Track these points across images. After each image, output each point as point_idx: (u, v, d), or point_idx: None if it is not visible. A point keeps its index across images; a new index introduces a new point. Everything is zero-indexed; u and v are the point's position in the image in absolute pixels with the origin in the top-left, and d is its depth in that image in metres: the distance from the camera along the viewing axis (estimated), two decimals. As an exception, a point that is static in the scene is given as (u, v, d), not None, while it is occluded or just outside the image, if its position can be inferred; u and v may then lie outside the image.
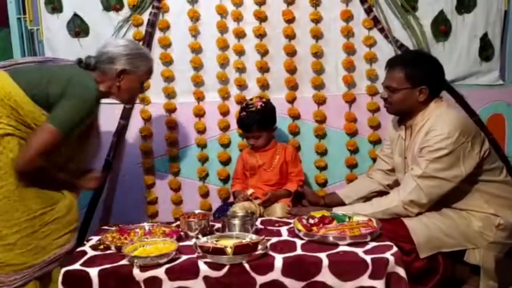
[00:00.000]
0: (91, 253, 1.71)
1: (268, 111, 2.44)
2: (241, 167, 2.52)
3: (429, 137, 1.98)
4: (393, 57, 2.21)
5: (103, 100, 2.60)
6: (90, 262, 1.63)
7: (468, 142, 1.96)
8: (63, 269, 1.60)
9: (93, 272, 1.57)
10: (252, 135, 2.43)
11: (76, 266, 1.60)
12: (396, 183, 2.26)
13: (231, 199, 2.63)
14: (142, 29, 2.59)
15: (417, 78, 2.03)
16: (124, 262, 1.61)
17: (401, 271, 1.60)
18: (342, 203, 2.29)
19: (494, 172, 2.07)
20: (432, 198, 1.98)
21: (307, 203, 2.34)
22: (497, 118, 2.68)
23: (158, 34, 2.62)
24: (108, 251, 1.72)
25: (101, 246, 1.75)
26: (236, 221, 1.83)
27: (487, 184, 2.05)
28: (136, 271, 1.56)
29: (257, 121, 2.39)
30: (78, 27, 2.61)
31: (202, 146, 2.70)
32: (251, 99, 2.46)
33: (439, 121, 2.00)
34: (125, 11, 2.59)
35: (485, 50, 2.65)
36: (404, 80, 2.04)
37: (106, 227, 2.03)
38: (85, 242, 1.84)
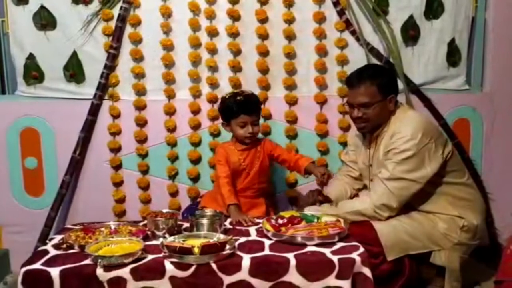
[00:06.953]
0: (53, 252, 1.67)
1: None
2: (228, 164, 2.25)
3: (394, 140, 2.01)
4: (355, 75, 2.12)
5: (71, 95, 2.59)
6: (52, 262, 1.59)
7: (431, 143, 2.00)
8: (23, 269, 1.55)
9: (54, 272, 1.53)
10: (255, 118, 2.22)
11: (37, 265, 1.56)
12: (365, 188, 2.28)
13: (199, 199, 2.58)
14: (112, 23, 2.53)
15: (386, 88, 2.07)
16: (87, 261, 1.57)
17: (367, 272, 1.63)
18: None
19: (457, 174, 2.12)
20: (402, 200, 2.01)
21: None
22: (463, 122, 2.74)
23: (128, 30, 2.56)
24: (71, 251, 1.68)
25: (64, 245, 1.70)
26: (205, 221, 1.82)
27: (451, 186, 2.10)
28: (99, 271, 1.52)
29: (259, 102, 2.31)
30: (45, 20, 2.52)
31: (172, 144, 2.65)
32: (230, 93, 2.32)
33: (402, 124, 2.04)
34: (95, 5, 2.52)
35: (453, 55, 2.70)
36: (377, 93, 2.05)
37: (70, 226, 1.98)
38: (47, 241, 1.79)
